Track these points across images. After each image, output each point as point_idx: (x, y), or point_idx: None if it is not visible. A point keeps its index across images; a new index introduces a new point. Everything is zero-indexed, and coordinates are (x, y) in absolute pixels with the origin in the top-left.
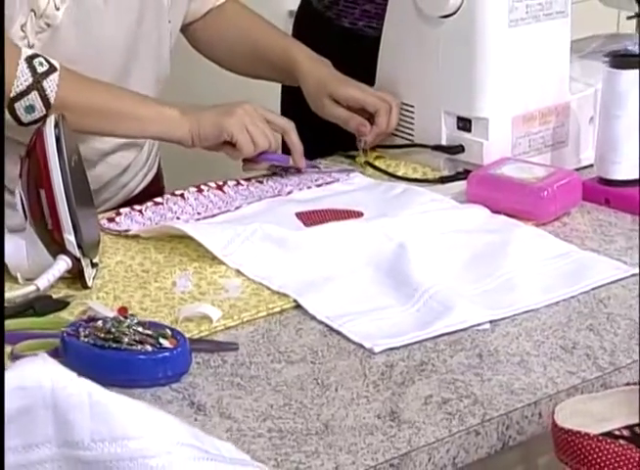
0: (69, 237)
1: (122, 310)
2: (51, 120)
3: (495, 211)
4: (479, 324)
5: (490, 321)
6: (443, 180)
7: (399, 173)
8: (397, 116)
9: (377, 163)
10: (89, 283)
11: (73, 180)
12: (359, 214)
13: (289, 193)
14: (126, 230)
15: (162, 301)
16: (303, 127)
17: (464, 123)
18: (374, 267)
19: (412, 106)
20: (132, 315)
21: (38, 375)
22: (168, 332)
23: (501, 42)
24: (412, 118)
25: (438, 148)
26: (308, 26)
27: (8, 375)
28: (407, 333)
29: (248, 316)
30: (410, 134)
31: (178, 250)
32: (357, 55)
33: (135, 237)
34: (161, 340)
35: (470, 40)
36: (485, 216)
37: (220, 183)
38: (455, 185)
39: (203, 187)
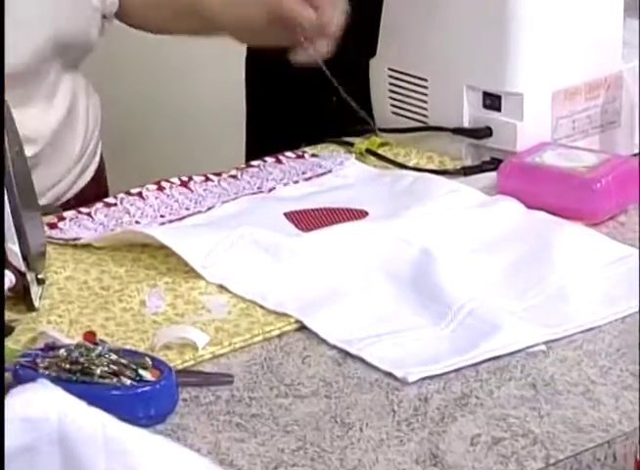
0: (12, 247)
1: (90, 336)
2: None
3: (533, 207)
4: (531, 346)
5: (545, 342)
6: (466, 171)
7: (410, 164)
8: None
9: (381, 151)
10: (36, 303)
11: (16, 177)
12: (363, 214)
13: (271, 190)
14: (75, 238)
15: (131, 324)
16: (277, 110)
17: (492, 100)
18: (393, 279)
19: (425, 79)
20: (102, 341)
21: (43, 405)
22: (149, 361)
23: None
24: (425, 95)
25: (460, 131)
26: None
27: (7, 402)
28: (444, 359)
29: (240, 342)
30: (423, 115)
31: (142, 261)
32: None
33: (86, 247)
34: (141, 371)
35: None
36: (521, 213)
37: (185, 179)
38: (481, 178)
39: (164, 184)
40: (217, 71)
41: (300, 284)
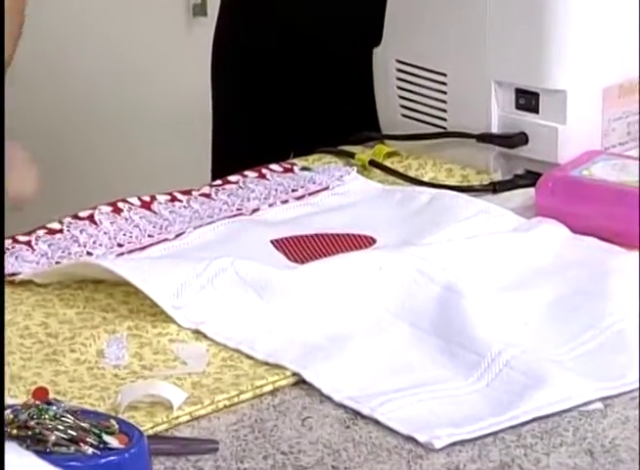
0: None
1: (41, 393)
2: None
3: (580, 232)
4: (585, 404)
5: (602, 399)
6: (496, 188)
7: (425, 178)
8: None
9: (389, 162)
10: None
11: None
12: (369, 241)
13: (254, 211)
14: (12, 274)
15: (87, 380)
16: (253, 111)
17: (527, 100)
18: (410, 322)
19: (443, 74)
20: (57, 400)
21: None
22: (114, 425)
23: None
24: (443, 93)
25: (487, 138)
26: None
27: None
28: (478, 420)
29: (224, 400)
30: (441, 118)
31: (97, 302)
32: None
33: (26, 284)
34: (105, 437)
35: None
36: (566, 239)
37: (146, 199)
38: (514, 195)
39: (120, 205)
40: (175, 68)
41: (295, 328)
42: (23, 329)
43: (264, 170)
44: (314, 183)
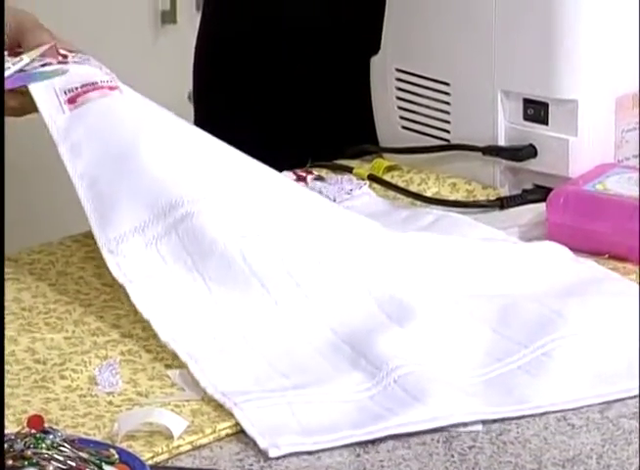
0: None
1: (36, 421)
2: None
3: (594, 249)
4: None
5: (483, 422)
6: (503, 203)
7: (429, 193)
8: None
9: (389, 177)
10: None
11: None
12: None
13: None
14: None
15: (80, 408)
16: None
17: (536, 110)
18: (332, 328)
19: (446, 83)
20: (53, 429)
21: None
22: (114, 454)
23: None
24: (447, 104)
25: (493, 151)
26: None
27: None
28: (335, 430)
29: (227, 428)
30: (444, 130)
31: (87, 325)
32: None
33: (9, 306)
34: (106, 467)
35: None
36: (561, 262)
37: None
38: (523, 211)
39: None
40: (143, 78)
41: (218, 322)
42: (9, 355)
43: None
44: (321, 195)
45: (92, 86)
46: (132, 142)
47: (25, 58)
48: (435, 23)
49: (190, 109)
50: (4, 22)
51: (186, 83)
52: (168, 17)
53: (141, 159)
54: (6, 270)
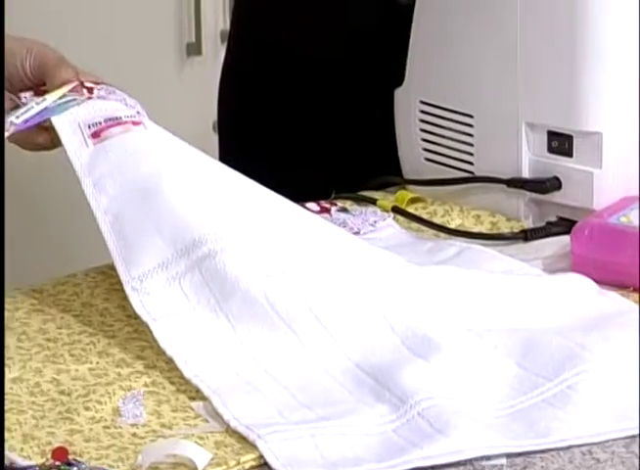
0: None
1: (60, 453)
2: None
3: (618, 282)
4: (483, 458)
5: (507, 455)
6: (527, 236)
7: (452, 225)
8: None
9: (412, 208)
10: None
11: None
12: None
13: None
14: None
15: (104, 440)
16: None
17: (560, 142)
18: (356, 362)
19: (469, 115)
20: (77, 460)
21: None
22: None
23: (619, 5)
24: (470, 136)
25: (517, 183)
26: None
27: None
28: (357, 464)
29: (251, 461)
30: (468, 162)
31: (111, 356)
32: None
33: (35, 337)
34: None
35: (568, 7)
36: (586, 294)
37: None
38: (547, 243)
39: None
40: (169, 110)
41: (241, 358)
42: (34, 386)
43: None
44: (345, 227)
45: (116, 121)
46: (155, 178)
47: (49, 98)
48: (460, 55)
49: (215, 139)
50: (4, 22)
51: (211, 114)
52: (194, 49)
53: (164, 195)
54: (31, 301)
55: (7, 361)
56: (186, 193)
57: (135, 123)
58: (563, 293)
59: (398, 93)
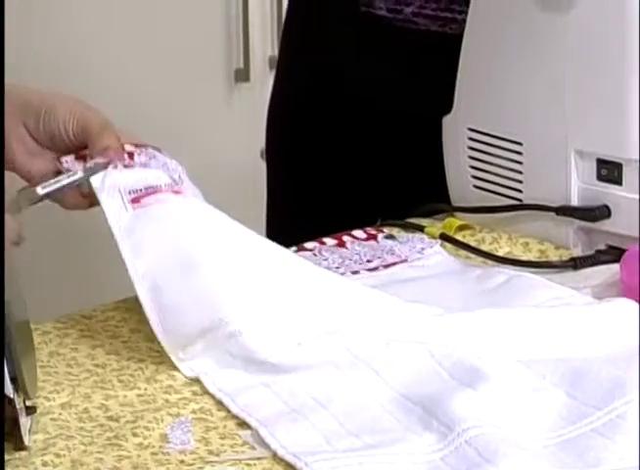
0: None
1: None
2: None
3: None
4: None
5: None
6: (577, 264)
7: (500, 253)
8: None
9: (460, 236)
10: (26, 440)
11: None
12: None
13: None
14: None
15: (152, 465)
16: (322, 188)
17: (610, 170)
18: (402, 393)
19: (519, 143)
20: None
21: None
22: None
23: None
24: (519, 163)
25: (566, 211)
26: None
27: None
28: None
29: None
30: (517, 190)
31: (159, 382)
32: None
33: (83, 363)
34: None
35: (618, 34)
36: (632, 320)
37: None
38: (596, 272)
39: None
40: (218, 137)
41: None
42: (82, 412)
43: (345, 237)
44: (393, 254)
45: (156, 189)
46: (191, 251)
47: (80, 173)
48: (508, 82)
49: (263, 166)
50: (4, 22)
51: (259, 141)
52: (242, 75)
53: (199, 269)
54: (80, 327)
55: (56, 387)
56: (219, 270)
57: (175, 192)
58: (611, 321)
59: (447, 120)
